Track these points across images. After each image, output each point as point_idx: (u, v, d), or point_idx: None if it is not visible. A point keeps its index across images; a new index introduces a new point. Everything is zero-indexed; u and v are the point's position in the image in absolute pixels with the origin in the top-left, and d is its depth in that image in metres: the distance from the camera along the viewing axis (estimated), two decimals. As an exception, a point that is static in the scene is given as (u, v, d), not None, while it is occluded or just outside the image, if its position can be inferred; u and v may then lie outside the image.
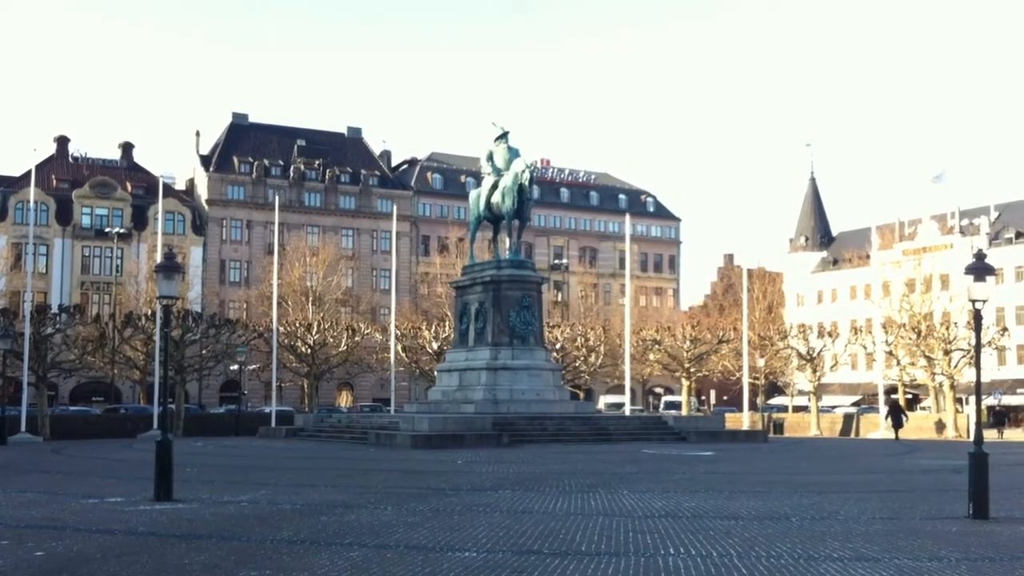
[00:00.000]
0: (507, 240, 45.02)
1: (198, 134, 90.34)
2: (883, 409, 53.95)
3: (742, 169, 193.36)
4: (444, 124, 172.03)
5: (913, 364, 61.72)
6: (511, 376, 41.87)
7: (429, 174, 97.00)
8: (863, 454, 35.72)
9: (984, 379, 20.36)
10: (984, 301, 16.76)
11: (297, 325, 63.29)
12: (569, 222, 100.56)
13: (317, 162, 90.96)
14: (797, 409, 73.80)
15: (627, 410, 57.34)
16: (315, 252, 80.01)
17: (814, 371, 63.21)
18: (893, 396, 57.41)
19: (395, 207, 72.17)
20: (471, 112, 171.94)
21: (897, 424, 50.51)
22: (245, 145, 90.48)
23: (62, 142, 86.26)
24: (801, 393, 77.65)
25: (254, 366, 65.42)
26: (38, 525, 14.47)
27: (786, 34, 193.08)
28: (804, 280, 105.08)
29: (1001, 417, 59.59)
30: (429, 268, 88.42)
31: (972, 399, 45.55)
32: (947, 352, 57.90)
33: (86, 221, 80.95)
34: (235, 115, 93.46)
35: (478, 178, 51.76)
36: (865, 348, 65.87)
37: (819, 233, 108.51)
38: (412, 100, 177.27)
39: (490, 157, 45.06)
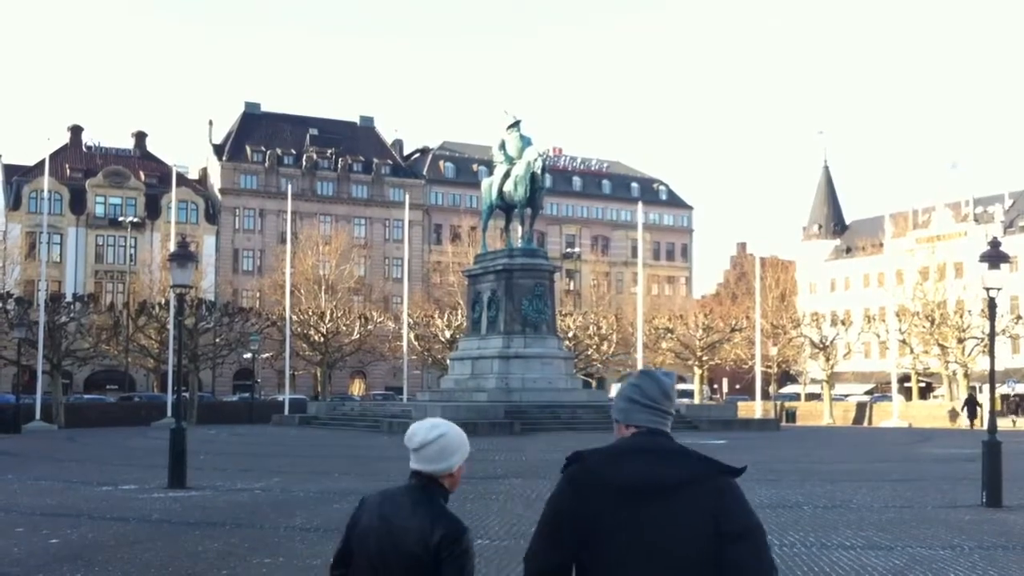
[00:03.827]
0: (519, 228, 45.02)
1: (211, 123, 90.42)
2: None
3: (755, 157, 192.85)
4: (456, 113, 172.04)
5: (927, 352, 61.53)
6: (523, 364, 41.88)
7: (441, 163, 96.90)
8: (876, 442, 35.67)
9: (998, 367, 20.27)
10: (998, 289, 16.72)
11: (310, 314, 63.41)
12: (581, 210, 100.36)
13: (329, 151, 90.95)
14: (810, 397, 73.69)
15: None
16: (328, 241, 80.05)
17: (827, 359, 63.05)
18: (971, 389, 57.27)
19: (407, 196, 72.12)
20: (483, 101, 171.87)
21: (972, 415, 50.56)
22: (258, 134, 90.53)
23: (76, 131, 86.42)
24: (814, 381, 77.46)
25: (267, 354, 65.58)
26: (53, 513, 14.56)
27: (799, 21, 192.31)
28: (817, 268, 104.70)
29: (1015, 406, 59.43)
30: (441, 257, 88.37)
31: (986, 387, 45.43)
32: (961, 340, 57.69)
33: (100, 210, 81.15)
34: (248, 104, 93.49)
35: (490, 167, 51.73)
36: (878, 336, 65.69)
37: (832, 221, 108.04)
38: (424, 89, 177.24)
39: (502, 146, 45.04)
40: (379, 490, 3.74)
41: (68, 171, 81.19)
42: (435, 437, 3.66)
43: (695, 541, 3.05)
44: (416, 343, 64.62)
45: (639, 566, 3.05)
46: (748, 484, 16.98)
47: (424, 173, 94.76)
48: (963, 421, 51.89)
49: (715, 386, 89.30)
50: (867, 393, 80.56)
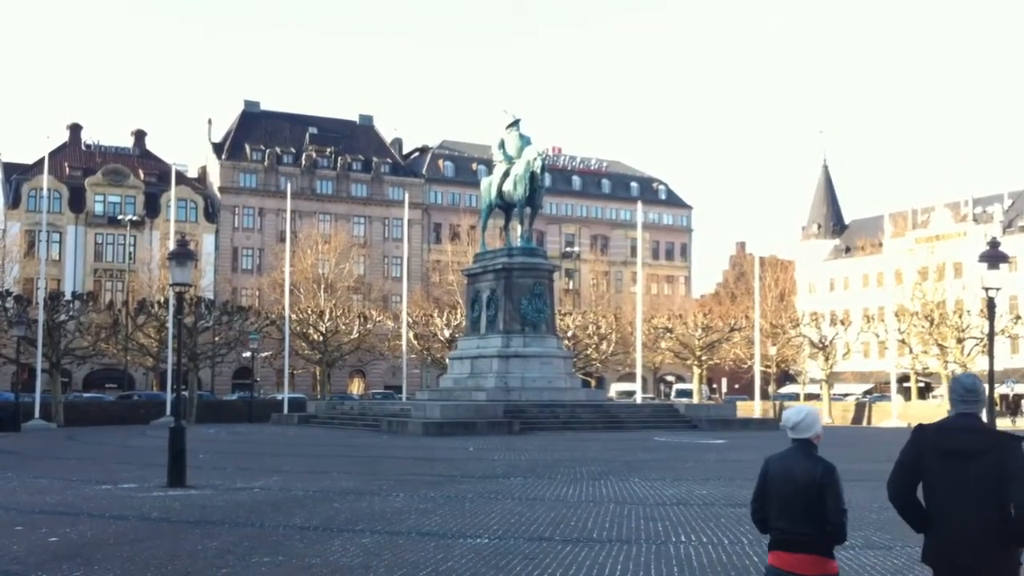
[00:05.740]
0: (519, 228, 45.04)
1: (210, 122, 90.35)
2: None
3: (754, 156, 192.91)
4: (456, 112, 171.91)
5: (926, 352, 61.55)
6: (522, 364, 41.90)
7: (440, 162, 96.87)
8: (875, 442, 35.65)
9: (997, 367, 20.28)
10: (997, 289, 16.75)
11: (309, 312, 63.39)
12: (581, 210, 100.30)
13: (329, 150, 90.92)
14: (809, 397, 73.60)
15: (638, 398, 57.34)
16: (327, 240, 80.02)
17: (826, 359, 63.07)
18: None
19: (407, 195, 72.15)
20: (482, 100, 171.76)
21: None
22: (257, 133, 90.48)
23: (75, 130, 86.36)
24: (813, 381, 77.47)
25: (266, 353, 65.57)
26: (52, 511, 14.56)
27: (799, 21, 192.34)
28: (816, 268, 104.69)
29: (1015, 405, 59.44)
30: (441, 256, 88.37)
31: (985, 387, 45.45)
32: (960, 340, 57.71)
33: (99, 208, 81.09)
34: (247, 103, 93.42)
35: (489, 166, 51.85)
36: (877, 336, 65.71)
37: (832, 221, 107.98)
38: (423, 88, 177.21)
39: (502, 145, 45.06)
40: (776, 453, 5.86)
41: (67, 169, 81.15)
42: (803, 417, 5.80)
43: (991, 483, 5.03)
44: (415, 342, 64.63)
45: (956, 501, 5.10)
46: (746, 481, 16.85)
47: (423, 172, 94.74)
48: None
49: (714, 386, 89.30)
50: (866, 393, 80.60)
